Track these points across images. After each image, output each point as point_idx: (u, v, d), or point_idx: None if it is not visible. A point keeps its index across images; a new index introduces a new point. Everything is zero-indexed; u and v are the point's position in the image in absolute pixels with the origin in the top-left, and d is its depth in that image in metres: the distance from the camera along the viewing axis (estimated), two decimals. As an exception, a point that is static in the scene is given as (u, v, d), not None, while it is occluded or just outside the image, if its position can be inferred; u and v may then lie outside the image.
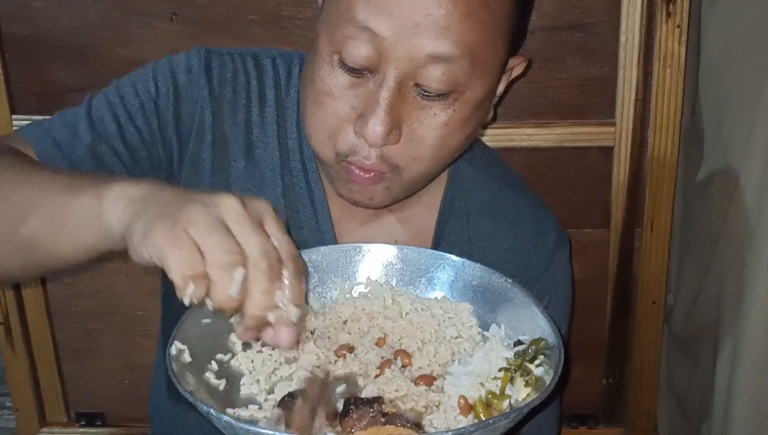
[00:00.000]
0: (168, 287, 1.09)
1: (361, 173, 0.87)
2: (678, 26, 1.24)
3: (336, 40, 0.83)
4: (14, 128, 1.32)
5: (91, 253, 0.75)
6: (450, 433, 0.66)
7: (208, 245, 0.63)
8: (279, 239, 0.67)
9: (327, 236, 0.99)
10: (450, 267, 0.89)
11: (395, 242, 0.96)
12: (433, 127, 0.86)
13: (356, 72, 0.83)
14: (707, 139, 1.30)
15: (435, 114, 0.85)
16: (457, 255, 0.89)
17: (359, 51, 0.81)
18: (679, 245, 1.42)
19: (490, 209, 1.04)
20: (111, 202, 0.70)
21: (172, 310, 1.07)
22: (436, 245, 1.01)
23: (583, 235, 1.36)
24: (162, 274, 0.69)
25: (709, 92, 1.29)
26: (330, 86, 0.84)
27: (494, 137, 1.29)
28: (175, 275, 0.63)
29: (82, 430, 1.53)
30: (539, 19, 1.24)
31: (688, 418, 1.40)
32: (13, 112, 1.32)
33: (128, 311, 1.44)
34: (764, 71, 1.10)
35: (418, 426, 0.69)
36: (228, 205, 0.65)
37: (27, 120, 1.31)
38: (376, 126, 0.82)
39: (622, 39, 1.26)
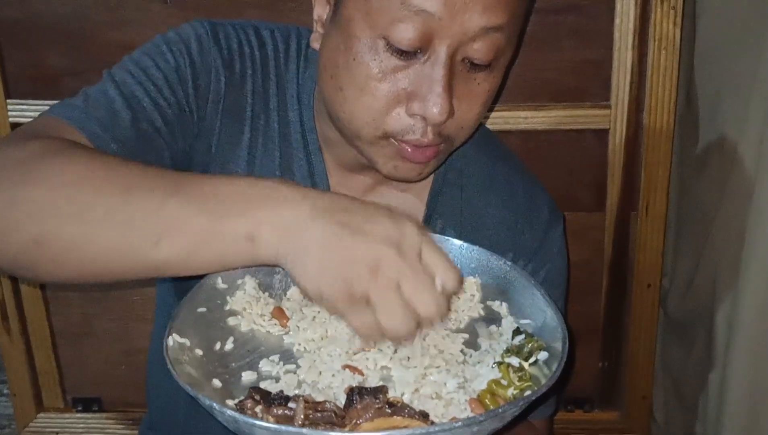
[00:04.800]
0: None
1: (418, 152, 0.87)
2: (673, 8, 1.24)
3: (381, 25, 0.81)
4: (8, 113, 1.32)
5: (226, 268, 0.76)
6: (459, 423, 0.65)
7: (386, 319, 0.69)
8: (442, 272, 0.71)
9: None
10: (448, 250, 0.87)
11: None
12: (478, 96, 0.87)
13: (406, 54, 0.82)
14: (702, 121, 1.30)
15: (479, 83, 0.86)
16: (450, 230, 0.88)
17: (411, 33, 0.80)
18: (674, 228, 1.42)
19: (483, 184, 1.04)
20: (265, 229, 0.71)
21: (168, 295, 1.08)
22: (429, 217, 1.01)
23: (578, 219, 1.36)
24: None
25: (705, 74, 1.29)
26: (376, 71, 0.83)
27: (490, 120, 1.30)
28: (357, 333, 0.72)
29: (79, 415, 1.53)
30: (535, 1, 1.24)
31: (683, 401, 1.40)
32: (7, 96, 1.32)
33: (124, 296, 1.44)
34: (759, 51, 1.10)
35: (424, 416, 0.69)
36: (392, 262, 0.69)
37: (22, 104, 1.32)
38: (438, 105, 0.82)
39: (617, 21, 1.26)
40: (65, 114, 0.85)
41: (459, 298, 0.86)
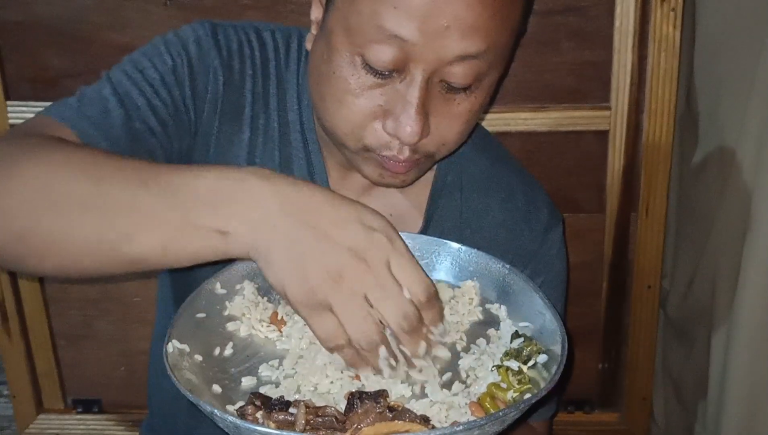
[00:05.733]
0: (166, 276, 1.10)
1: (397, 164, 0.88)
2: (673, 10, 1.24)
3: (358, 43, 0.82)
4: (8, 115, 1.32)
5: (201, 262, 0.76)
6: (460, 427, 0.65)
7: (350, 329, 0.70)
8: (409, 283, 0.71)
9: None
10: (447, 253, 0.89)
11: (389, 216, 0.96)
12: (458, 116, 0.87)
13: (382, 74, 0.82)
14: (702, 122, 1.30)
15: (459, 103, 0.86)
16: (450, 231, 0.88)
17: (386, 56, 0.80)
18: (674, 229, 1.43)
19: (482, 185, 1.04)
20: (234, 225, 0.71)
21: (169, 297, 1.08)
22: (428, 219, 1.01)
23: (578, 220, 1.37)
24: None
25: (704, 76, 1.29)
26: (354, 86, 0.84)
27: (490, 122, 1.30)
28: (319, 339, 0.72)
29: (79, 416, 1.53)
30: (534, 2, 1.24)
31: (683, 402, 1.40)
32: (7, 98, 1.32)
33: (124, 297, 1.44)
34: (758, 54, 1.10)
35: (425, 421, 0.69)
36: (355, 272, 0.69)
37: (21, 106, 1.32)
38: (411, 126, 0.82)
39: (617, 23, 1.26)
40: (58, 113, 0.86)
41: (458, 302, 0.86)
